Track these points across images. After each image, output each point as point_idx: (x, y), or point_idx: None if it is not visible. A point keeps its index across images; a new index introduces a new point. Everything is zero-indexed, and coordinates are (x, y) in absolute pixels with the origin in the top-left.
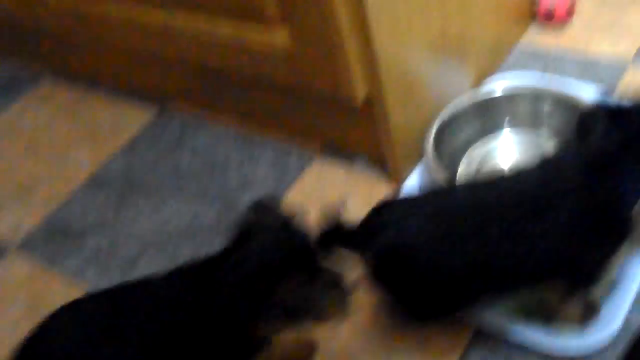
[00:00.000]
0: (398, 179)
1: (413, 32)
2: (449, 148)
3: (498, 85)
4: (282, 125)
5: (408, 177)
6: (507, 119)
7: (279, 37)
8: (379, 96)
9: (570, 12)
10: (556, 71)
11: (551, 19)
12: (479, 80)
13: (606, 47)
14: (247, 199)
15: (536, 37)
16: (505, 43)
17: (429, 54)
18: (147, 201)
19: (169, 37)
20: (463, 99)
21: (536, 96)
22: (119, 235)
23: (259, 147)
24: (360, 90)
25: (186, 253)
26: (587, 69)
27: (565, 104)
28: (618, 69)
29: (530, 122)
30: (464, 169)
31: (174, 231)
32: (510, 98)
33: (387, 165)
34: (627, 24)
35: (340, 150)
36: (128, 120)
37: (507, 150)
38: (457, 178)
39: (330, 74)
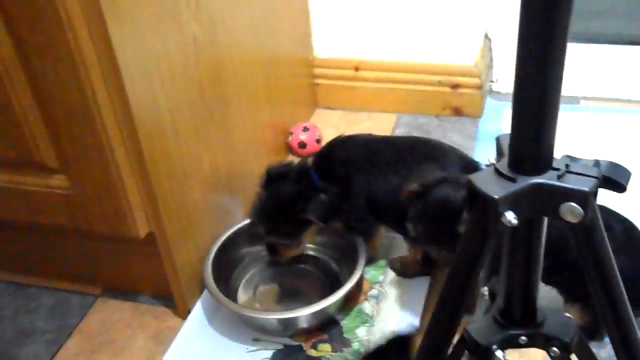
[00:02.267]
0: (184, 311)
1: (187, 172)
2: (228, 271)
3: None
4: (61, 270)
5: (194, 306)
6: None
7: (58, 183)
8: (160, 233)
9: (319, 141)
10: None
11: (304, 148)
12: (249, 209)
13: None
14: (25, 351)
15: None
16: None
17: (203, 191)
18: None
19: None
20: (234, 229)
21: None
22: None
23: (36, 295)
24: (141, 230)
25: None
26: None
27: None
28: None
29: None
30: (244, 285)
31: None
32: None
33: (172, 297)
34: None
35: (124, 288)
36: None
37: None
38: (239, 298)
39: (111, 216)
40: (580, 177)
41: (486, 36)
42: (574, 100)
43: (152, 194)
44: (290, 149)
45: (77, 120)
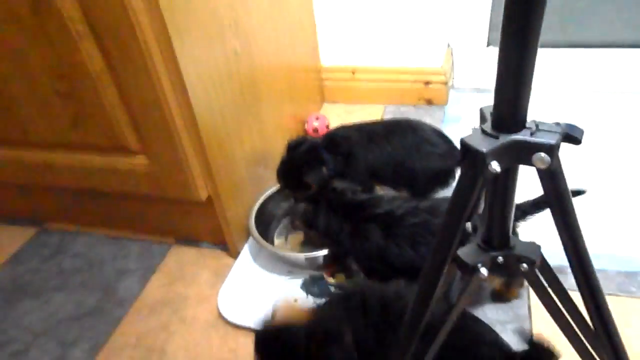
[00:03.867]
0: (235, 253)
1: (233, 151)
2: (267, 223)
3: None
4: (144, 225)
5: (242, 249)
6: None
7: (139, 162)
8: (216, 196)
9: (328, 127)
10: None
11: (317, 133)
12: None
13: None
14: (123, 285)
15: None
16: None
17: (245, 165)
18: (34, 300)
19: (49, 170)
20: (268, 192)
21: None
22: (8, 331)
23: (127, 245)
24: (202, 194)
25: (74, 336)
26: None
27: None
28: None
29: None
30: (278, 233)
31: (61, 319)
32: None
33: (226, 243)
34: None
35: (190, 238)
36: (8, 241)
37: None
38: (275, 242)
39: (180, 184)
40: (547, 133)
41: (448, 45)
42: None
43: (209, 168)
44: (306, 134)
45: (152, 114)
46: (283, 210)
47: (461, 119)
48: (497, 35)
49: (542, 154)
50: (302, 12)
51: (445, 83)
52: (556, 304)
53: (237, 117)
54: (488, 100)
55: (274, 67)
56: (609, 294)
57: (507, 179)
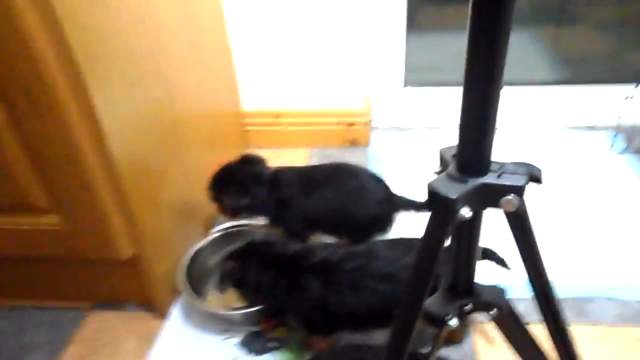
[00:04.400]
0: (164, 314)
1: (158, 203)
2: (199, 278)
3: (220, 230)
4: (55, 290)
5: (172, 309)
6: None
7: (49, 221)
8: (141, 254)
9: None
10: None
11: None
12: (207, 229)
13: None
14: None
15: None
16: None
17: (172, 217)
18: None
19: None
20: (199, 244)
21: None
22: None
23: (34, 315)
24: (125, 253)
25: None
26: None
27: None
28: None
29: None
30: (212, 289)
31: None
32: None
33: (154, 303)
34: None
35: (112, 300)
36: None
37: None
38: (208, 299)
39: (100, 244)
40: (513, 175)
41: (368, 87)
42: (432, 129)
43: (133, 222)
44: None
45: (66, 169)
46: (217, 262)
47: (385, 159)
48: (413, 76)
49: (511, 197)
50: (222, 58)
51: (368, 124)
52: (524, 342)
53: (161, 166)
54: (408, 138)
55: (197, 113)
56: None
57: (473, 224)
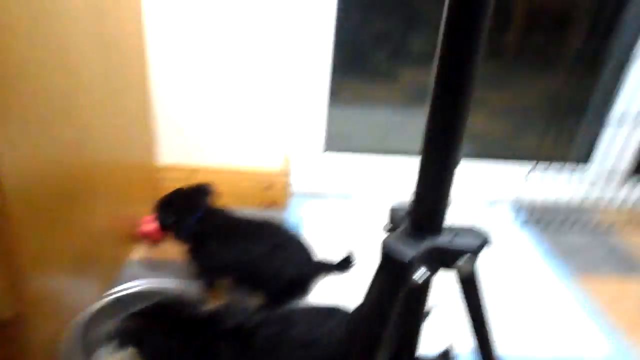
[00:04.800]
0: None
1: (54, 258)
2: (93, 347)
3: (121, 290)
4: None
5: None
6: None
7: None
8: (21, 316)
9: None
10: (162, 274)
11: (150, 236)
12: (105, 290)
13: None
14: None
15: (143, 252)
16: (120, 259)
17: (67, 272)
18: None
19: None
20: (96, 306)
21: (150, 294)
22: None
23: None
24: (3, 313)
25: None
26: (180, 270)
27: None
28: None
29: None
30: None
31: None
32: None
33: None
34: None
35: None
36: None
37: None
38: None
39: None
40: (467, 236)
41: (288, 149)
42: (350, 195)
43: (17, 278)
44: (140, 237)
45: None
46: (110, 327)
47: (302, 224)
48: (332, 142)
49: (467, 258)
50: (141, 106)
51: (286, 187)
52: None
53: (61, 217)
54: (326, 204)
55: (108, 161)
56: None
57: (424, 288)
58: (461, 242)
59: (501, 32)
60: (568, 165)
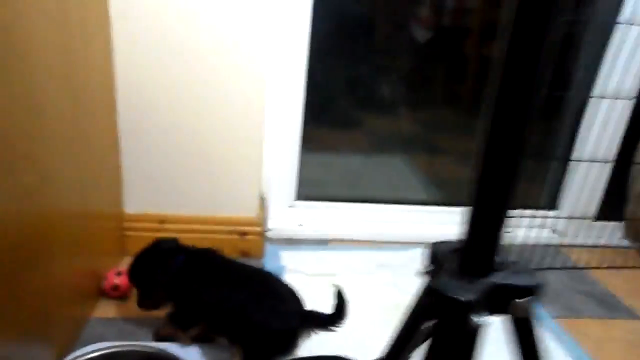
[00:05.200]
0: None
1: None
2: None
3: (81, 355)
4: None
5: None
6: None
7: None
8: None
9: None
10: (130, 333)
11: (117, 291)
12: (62, 353)
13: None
14: None
15: (107, 309)
16: (82, 318)
17: (18, 340)
18: None
19: None
20: None
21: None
22: None
23: None
24: None
25: None
26: (150, 329)
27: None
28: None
29: None
30: None
31: None
32: None
33: None
34: None
35: None
36: None
37: None
38: None
39: None
40: (522, 274)
41: (262, 197)
42: (324, 242)
43: None
44: (104, 292)
45: None
46: None
47: (279, 273)
48: (304, 190)
49: (526, 299)
50: (108, 153)
51: (261, 234)
52: None
53: (14, 270)
54: (302, 253)
55: (71, 210)
56: None
57: (480, 331)
58: (519, 281)
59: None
60: (537, 211)
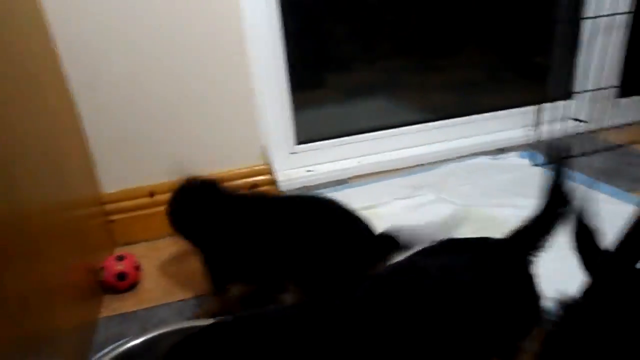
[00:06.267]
0: None
1: None
2: None
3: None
4: None
5: None
6: None
7: None
8: None
9: (139, 269)
10: (154, 326)
11: (124, 280)
12: None
13: (182, 294)
14: None
15: (116, 304)
16: (87, 321)
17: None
18: None
19: None
20: None
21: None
22: None
23: None
24: None
25: None
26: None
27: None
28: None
29: None
30: None
31: None
32: None
33: None
34: (188, 273)
35: None
36: None
37: None
38: None
39: None
40: None
41: (263, 147)
42: (344, 181)
43: None
44: (105, 287)
45: None
46: None
47: None
48: (303, 136)
49: None
50: (70, 125)
51: (273, 182)
52: None
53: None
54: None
55: (45, 204)
56: None
57: None
58: None
59: None
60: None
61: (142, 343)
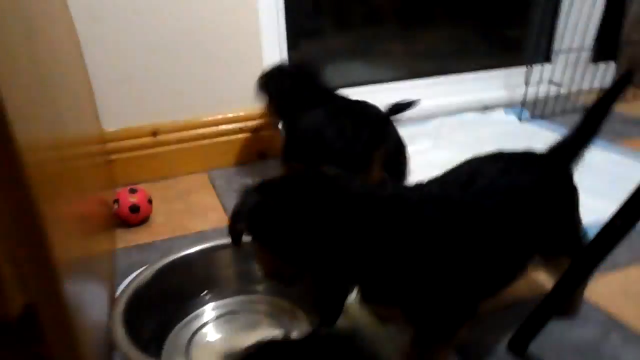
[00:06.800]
0: None
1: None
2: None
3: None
4: None
5: None
6: None
7: None
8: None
9: (151, 202)
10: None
11: (138, 212)
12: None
13: (195, 226)
14: None
15: (128, 237)
16: (109, 252)
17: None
18: None
19: None
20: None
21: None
22: None
23: None
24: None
25: None
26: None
27: None
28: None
29: None
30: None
31: None
32: None
33: None
34: (198, 210)
35: None
36: None
37: None
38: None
39: None
40: None
41: None
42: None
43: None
44: (120, 220)
45: None
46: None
47: None
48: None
49: None
50: (74, 61)
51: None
52: None
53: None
54: None
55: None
56: None
57: None
58: None
59: None
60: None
61: (196, 253)
